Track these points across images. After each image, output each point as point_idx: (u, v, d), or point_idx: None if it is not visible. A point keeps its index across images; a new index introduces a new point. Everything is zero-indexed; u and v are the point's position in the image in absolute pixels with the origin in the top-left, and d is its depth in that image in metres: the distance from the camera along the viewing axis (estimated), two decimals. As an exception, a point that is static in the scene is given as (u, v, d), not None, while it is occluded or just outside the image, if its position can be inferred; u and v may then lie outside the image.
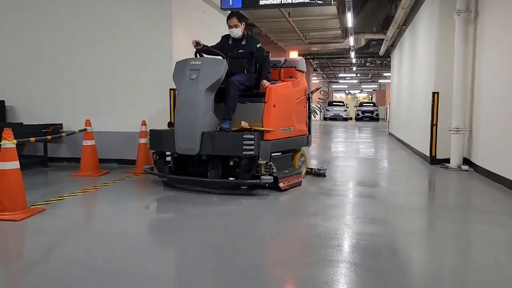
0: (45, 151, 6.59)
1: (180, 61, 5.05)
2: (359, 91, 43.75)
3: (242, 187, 4.77)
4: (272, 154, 4.85)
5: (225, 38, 5.39)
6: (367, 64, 24.23)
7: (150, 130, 5.30)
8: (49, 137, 5.54)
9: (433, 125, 7.39)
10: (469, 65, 6.84)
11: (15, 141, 3.69)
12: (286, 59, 5.74)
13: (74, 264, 2.69)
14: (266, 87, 4.98)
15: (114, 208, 4.28)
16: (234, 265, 2.72)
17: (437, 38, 7.45)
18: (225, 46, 5.28)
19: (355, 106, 34.46)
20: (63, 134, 5.90)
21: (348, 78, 34.13)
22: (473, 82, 6.77)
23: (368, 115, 30.66)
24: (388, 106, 21.55)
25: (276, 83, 5.15)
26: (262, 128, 4.76)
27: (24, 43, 6.97)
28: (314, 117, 5.81)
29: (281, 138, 5.00)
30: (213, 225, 3.61)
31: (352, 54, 16.75)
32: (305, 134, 5.75)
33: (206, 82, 4.68)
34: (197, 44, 5.20)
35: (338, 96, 43.12)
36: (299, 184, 5.08)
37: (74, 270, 2.60)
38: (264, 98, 4.90)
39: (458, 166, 6.82)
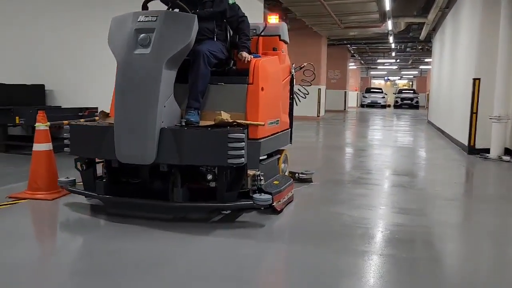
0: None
1: (119, 17, 3.25)
2: (399, 77, 42.48)
3: (223, 212, 3.32)
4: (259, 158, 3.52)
5: None
6: (408, 49, 23.39)
7: (69, 125, 3.38)
8: (82, 120, 5.70)
9: (473, 113, 7.06)
10: (514, 50, 6.45)
11: (48, 123, 3.81)
12: (266, 25, 4.16)
13: None
14: (248, 61, 3.53)
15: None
16: None
17: (480, 21, 7.05)
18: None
19: (394, 93, 33.51)
20: (96, 118, 6.06)
21: (387, 64, 33.16)
22: (518, 68, 6.39)
23: (408, 103, 29.71)
24: (428, 93, 20.82)
25: (260, 56, 3.76)
26: (248, 122, 3.30)
27: (64, 30, 7.18)
28: (297, 104, 4.74)
29: (269, 136, 3.62)
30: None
31: (391, 38, 16.20)
32: (288, 128, 4.31)
33: (167, 51, 3.03)
34: None
35: (376, 83, 42.07)
36: (292, 199, 3.77)
37: None
38: (247, 77, 3.44)
39: (499, 156, 6.50)
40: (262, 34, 4.11)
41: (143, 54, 3.03)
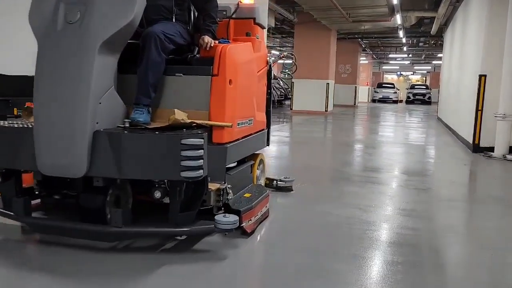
0: None
1: None
2: (412, 72, 41.86)
3: (177, 237, 2.70)
4: (227, 166, 2.89)
5: None
6: (420, 44, 22.99)
7: None
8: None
9: (478, 110, 6.88)
10: (521, 46, 6.25)
11: None
12: (238, 6, 3.46)
13: None
14: (211, 46, 2.86)
15: None
16: None
17: (488, 16, 6.85)
18: None
19: (406, 89, 33.06)
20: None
21: (399, 59, 32.68)
22: (525, 64, 6.19)
23: (420, 98, 29.27)
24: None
25: (229, 42, 3.08)
26: (212, 123, 2.70)
27: None
28: (275, 102, 3.96)
29: (239, 139, 3.01)
30: None
31: (401, 33, 15.91)
32: (265, 129, 3.69)
33: (102, 29, 2.37)
34: None
35: (389, 78, 41.54)
36: (267, 214, 3.18)
37: None
38: (211, 67, 2.77)
39: (503, 155, 6.33)
40: (234, 16, 3.44)
41: (69, 33, 2.33)
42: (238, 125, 2.96)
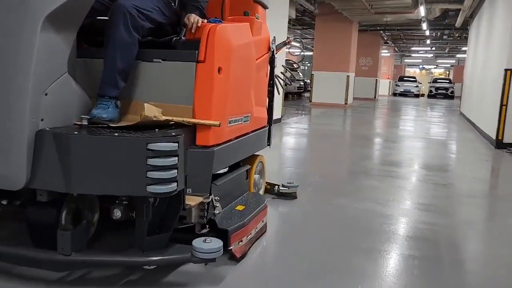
0: None
1: None
2: (435, 66, 41.02)
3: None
4: (215, 173, 2.35)
5: None
6: (444, 37, 22.47)
7: None
8: None
9: (502, 105, 6.72)
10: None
11: None
12: None
13: None
14: (198, 27, 2.34)
15: None
16: None
17: (516, 8, 6.65)
18: None
19: (429, 82, 32.46)
20: None
21: (422, 52, 32.03)
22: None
23: (442, 92, 28.72)
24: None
25: (222, 22, 2.49)
26: (194, 120, 2.17)
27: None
28: (279, 93, 3.42)
29: (231, 140, 2.49)
30: None
31: (424, 25, 15.57)
32: (265, 126, 3.14)
33: (45, 1, 1.84)
34: None
35: (411, 71, 40.83)
36: (264, 230, 2.68)
37: None
38: (196, 51, 2.21)
39: (527, 152, 6.19)
40: None
41: (3, 7, 1.83)
42: (230, 123, 2.42)
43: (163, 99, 2.22)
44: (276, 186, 3.45)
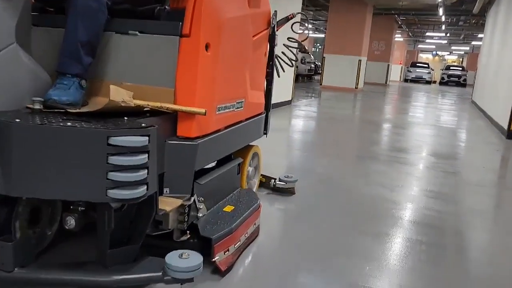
0: None
1: None
2: (448, 53, 40.37)
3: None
4: (198, 169, 1.97)
5: None
6: (460, 23, 22.04)
7: None
8: None
9: (516, 95, 6.64)
10: None
11: None
12: None
13: None
14: None
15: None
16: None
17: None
18: None
19: (441, 69, 32.01)
20: None
21: (436, 38, 31.49)
22: None
23: (455, 80, 28.36)
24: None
25: None
26: (175, 107, 1.81)
27: None
28: (279, 76, 2.90)
29: (221, 130, 2.17)
30: None
31: (441, 10, 15.27)
32: (262, 113, 2.81)
33: None
34: None
35: (424, 57, 40.25)
36: (256, 234, 2.34)
37: None
38: (180, 23, 1.85)
39: (539, 143, 6.13)
40: None
41: None
42: (219, 110, 2.08)
43: (138, 80, 1.86)
44: (273, 180, 3.10)
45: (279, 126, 5.85)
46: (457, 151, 5.94)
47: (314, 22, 22.53)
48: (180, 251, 1.63)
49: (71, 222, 1.65)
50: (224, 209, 2.18)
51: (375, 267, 2.19)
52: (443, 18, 18.62)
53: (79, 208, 1.66)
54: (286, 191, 3.10)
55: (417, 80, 28.08)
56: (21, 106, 1.62)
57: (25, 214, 1.65)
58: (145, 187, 1.52)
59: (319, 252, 2.30)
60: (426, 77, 28.36)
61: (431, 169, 4.51)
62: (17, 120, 1.44)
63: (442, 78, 29.02)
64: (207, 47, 1.89)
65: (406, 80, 28.67)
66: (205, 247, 1.84)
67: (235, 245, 2.03)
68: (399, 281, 2.08)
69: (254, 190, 2.87)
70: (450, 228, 2.88)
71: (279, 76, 3.00)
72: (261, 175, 3.10)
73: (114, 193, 1.46)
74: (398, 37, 26.91)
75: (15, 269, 1.52)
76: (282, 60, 3.07)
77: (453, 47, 37.53)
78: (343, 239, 2.50)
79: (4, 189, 1.43)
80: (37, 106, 1.59)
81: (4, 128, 1.42)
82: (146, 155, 1.52)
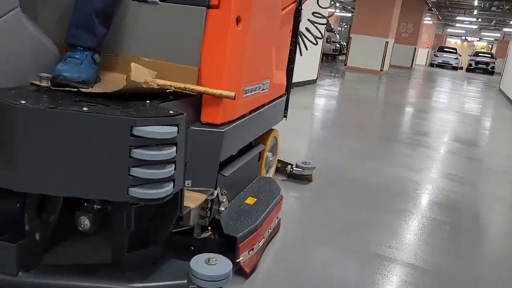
0: None
1: None
2: (478, 39, 39.21)
3: None
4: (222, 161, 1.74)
5: None
6: (492, 8, 21.35)
7: None
8: None
9: (547, 85, 6.54)
10: None
11: None
12: None
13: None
14: None
15: None
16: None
17: None
18: None
19: (469, 55, 31.21)
20: None
21: (467, 22, 30.60)
22: None
23: (482, 67, 27.65)
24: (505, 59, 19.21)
25: None
26: (201, 89, 1.56)
27: None
28: (301, 54, 2.64)
29: (247, 115, 1.94)
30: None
31: (475, -6, 14.85)
32: (284, 94, 2.59)
33: None
34: None
35: (452, 42, 39.22)
36: (277, 229, 2.17)
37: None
38: None
39: None
40: None
41: None
42: (246, 93, 1.85)
43: (157, 56, 1.63)
44: (289, 166, 2.94)
45: (304, 105, 5.92)
46: (482, 138, 5.94)
47: (342, 1, 22.12)
48: (206, 256, 1.44)
49: (85, 222, 1.41)
50: (245, 201, 1.98)
51: (398, 241, 2.31)
52: (475, 3, 18.12)
53: (95, 206, 1.42)
54: (303, 178, 2.93)
55: (443, 65, 27.50)
56: (25, 82, 1.39)
57: (34, 202, 1.36)
58: (171, 185, 1.31)
59: (345, 227, 2.43)
60: (453, 62, 27.73)
61: (455, 155, 4.56)
62: (23, 101, 1.19)
63: (470, 65, 28.35)
64: (238, 21, 1.64)
65: (431, 65, 28.11)
66: (228, 244, 1.68)
67: (259, 243, 1.85)
68: (420, 255, 2.20)
69: (271, 176, 2.68)
70: (471, 210, 2.97)
71: (301, 55, 2.76)
72: (277, 160, 2.86)
73: (136, 191, 1.24)
74: (427, 20, 26.26)
75: (19, 273, 1.33)
76: (306, 37, 2.86)
77: (483, 33, 36.41)
78: (369, 216, 2.62)
79: (6, 183, 1.22)
80: (44, 83, 1.38)
81: (7, 111, 1.16)
82: (174, 148, 1.29)
